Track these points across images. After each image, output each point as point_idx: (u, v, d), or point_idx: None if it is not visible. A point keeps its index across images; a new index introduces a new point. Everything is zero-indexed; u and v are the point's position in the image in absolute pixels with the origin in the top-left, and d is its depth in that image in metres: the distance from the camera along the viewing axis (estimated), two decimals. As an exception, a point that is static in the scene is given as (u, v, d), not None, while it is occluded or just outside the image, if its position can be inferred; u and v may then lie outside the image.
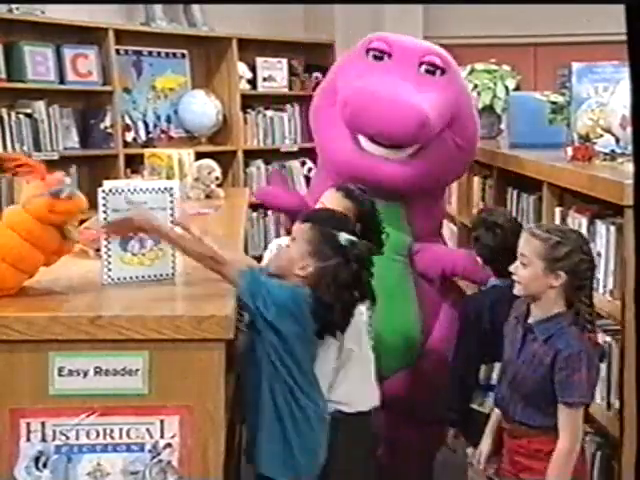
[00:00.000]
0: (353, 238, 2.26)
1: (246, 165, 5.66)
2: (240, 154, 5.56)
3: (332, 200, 2.67)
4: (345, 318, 2.23)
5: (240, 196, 4.15)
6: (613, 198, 2.17)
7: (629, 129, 2.25)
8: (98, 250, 2.54)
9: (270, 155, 5.79)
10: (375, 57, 3.07)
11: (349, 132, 2.98)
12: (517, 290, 2.24)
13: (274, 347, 2.11)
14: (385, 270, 2.83)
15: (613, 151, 2.53)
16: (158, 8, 5.31)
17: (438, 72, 3.02)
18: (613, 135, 2.45)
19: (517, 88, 3.99)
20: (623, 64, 2.58)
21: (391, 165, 2.95)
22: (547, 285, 2.15)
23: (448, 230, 4.39)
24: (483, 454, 2.44)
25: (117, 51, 5.06)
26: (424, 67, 3.01)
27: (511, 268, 2.24)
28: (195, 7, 5.50)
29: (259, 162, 5.75)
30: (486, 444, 2.44)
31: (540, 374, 2.17)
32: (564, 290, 2.15)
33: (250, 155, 5.70)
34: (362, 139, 2.96)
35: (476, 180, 3.89)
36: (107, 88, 4.95)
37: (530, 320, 2.24)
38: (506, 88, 3.91)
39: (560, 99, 2.84)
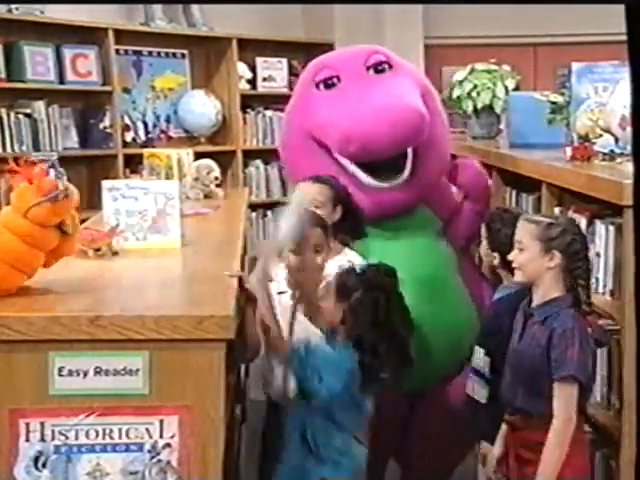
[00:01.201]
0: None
1: (245, 165, 5.68)
2: (239, 154, 5.58)
3: (307, 189, 2.73)
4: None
5: (239, 196, 4.16)
6: (612, 198, 2.18)
7: (628, 129, 2.25)
8: (97, 250, 2.56)
9: (269, 155, 5.79)
10: (326, 86, 3.05)
11: (342, 171, 2.95)
12: (517, 276, 2.31)
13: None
14: (420, 255, 3.00)
15: (612, 151, 2.53)
16: (157, 8, 5.32)
17: (386, 67, 3.05)
18: (612, 135, 2.45)
19: (517, 88, 3.99)
20: (623, 64, 2.59)
21: (398, 192, 2.96)
22: (544, 267, 2.22)
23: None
24: (495, 456, 2.42)
25: (117, 51, 5.07)
26: (372, 70, 3.03)
27: (510, 256, 2.30)
28: (194, 7, 5.51)
29: (258, 162, 5.76)
30: (498, 446, 2.41)
31: (537, 355, 2.20)
32: (561, 271, 2.20)
33: (249, 155, 5.71)
34: (362, 175, 2.95)
35: (476, 180, 3.88)
36: (107, 88, 4.96)
37: (532, 305, 2.29)
38: (506, 88, 3.91)
39: (559, 99, 2.85)
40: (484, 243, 2.74)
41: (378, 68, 3.04)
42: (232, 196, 4.10)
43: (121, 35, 5.09)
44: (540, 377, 2.20)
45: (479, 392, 2.54)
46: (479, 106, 3.99)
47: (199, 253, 2.73)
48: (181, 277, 2.47)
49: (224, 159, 5.49)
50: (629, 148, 2.44)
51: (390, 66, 3.07)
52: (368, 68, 3.03)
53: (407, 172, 2.92)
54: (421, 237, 3.05)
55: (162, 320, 1.91)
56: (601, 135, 2.54)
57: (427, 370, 2.78)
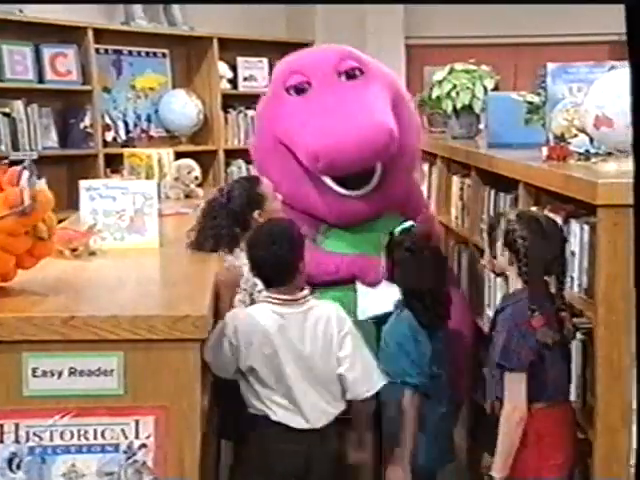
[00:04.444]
0: None
1: (227, 165, 5.67)
2: (221, 154, 5.57)
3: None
4: None
5: (220, 196, 4.13)
6: (586, 198, 2.18)
7: (603, 129, 2.27)
8: (74, 250, 2.55)
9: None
10: (297, 91, 3.03)
11: (310, 176, 2.97)
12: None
13: None
14: None
15: (587, 151, 2.54)
16: (138, 7, 5.30)
17: (358, 73, 3.01)
18: (587, 135, 2.45)
19: (496, 88, 3.99)
20: (598, 65, 2.61)
21: (367, 201, 2.98)
22: (504, 262, 2.33)
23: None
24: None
25: (97, 50, 5.06)
26: (344, 76, 3.00)
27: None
28: (175, 7, 5.50)
29: (240, 162, 5.76)
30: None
31: (497, 341, 2.27)
32: (517, 266, 2.28)
33: (231, 155, 5.71)
34: (330, 183, 2.96)
35: (455, 180, 3.89)
36: (86, 87, 4.94)
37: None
38: (484, 88, 3.91)
39: (536, 99, 2.86)
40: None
41: (349, 74, 3.01)
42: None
43: (101, 34, 5.07)
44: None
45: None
46: (458, 106, 3.99)
47: (177, 253, 2.72)
48: (158, 277, 2.47)
49: (205, 159, 5.49)
50: (604, 148, 2.45)
51: (362, 72, 3.03)
52: (340, 74, 3.00)
53: (374, 183, 2.94)
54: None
55: (137, 320, 1.91)
56: (576, 135, 2.55)
57: None
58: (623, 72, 2.36)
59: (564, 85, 2.65)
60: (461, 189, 3.78)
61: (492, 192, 3.27)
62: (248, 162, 5.77)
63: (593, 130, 2.30)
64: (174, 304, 2.06)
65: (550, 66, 2.68)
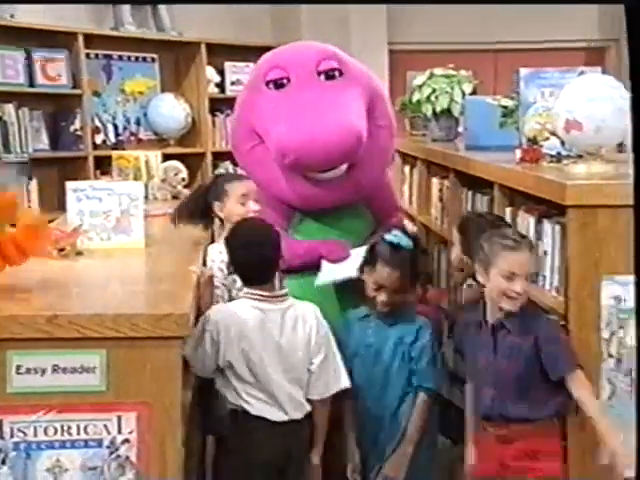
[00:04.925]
0: None
1: (215, 166, 5.66)
2: (209, 156, 5.57)
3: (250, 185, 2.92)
4: None
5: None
6: (556, 198, 2.20)
7: (573, 132, 2.28)
8: (61, 250, 2.54)
9: (238, 157, 5.79)
10: (276, 86, 3.01)
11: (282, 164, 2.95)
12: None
13: None
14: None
15: (559, 153, 2.55)
16: (127, 13, 5.29)
17: (337, 74, 2.99)
18: (559, 138, 2.47)
19: (474, 92, 4.00)
20: (569, 70, 2.62)
21: (336, 186, 2.94)
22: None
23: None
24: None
25: (87, 55, 5.04)
26: (323, 76, 2.98)
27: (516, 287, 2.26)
28: (164, 12, 5.49)
29: (227, 164, 5.75)
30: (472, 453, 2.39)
31: (523, 363, 2.20)
32: None
33: (219, 157, 5.70)
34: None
35: (434, 181, 3.91)
36: (76, 91, 4.93)
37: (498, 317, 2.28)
38: (463, 92, 3.93)
39: (510, 103, 2.87)
40: (456, 248, 2.73)
41: (329, 74, 2.99)
42: (199, 197, 4.08)
43: (91, 40, 5.06)
44: (531, 383, 2.20)
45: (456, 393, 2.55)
46: (438, 110, 4.00)
47: (162, 253, 2.72)
48: (142, 276, 2.46)
49: (194, 161, 5.49)
50: (574, 150, 2.47)
51: (341, 73, 3.01)
52: (319, 73, 2.98)
53: (342, 170, 2.92)
54: (352, 232, 3.04)
55: (120, 318, 1.91)
56: (548, 138, 2.57)
57: None
58: (592, 77, 2.38)
59: (536, 90, 2.66)
60: (440, 190, 3.80)
61: (469, 193, 3.28)
62: (235, 164, 5.76)
63: (564, 133, 2.31)
64: (157, 303, 2.06)
65: (523, 71, 2.70)
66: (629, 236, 2.11)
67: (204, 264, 2.72)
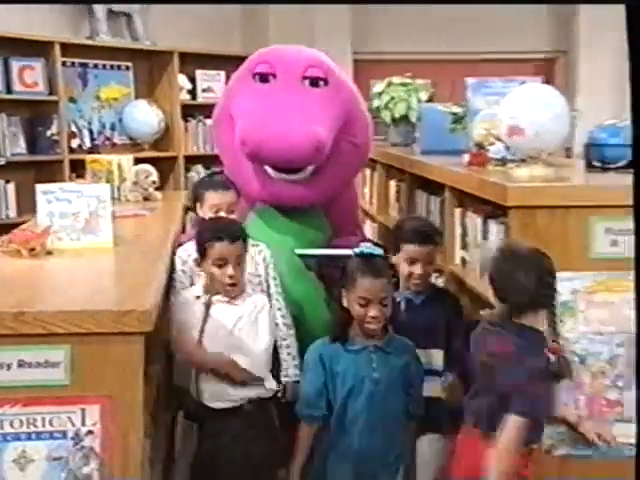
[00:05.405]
0: None
1: (187, 170, 5.63)
2: (181, 159, 5.54)
3: (222, 197, 2.81)
4: None
5: (176, 199, 4.11)
6: (499, 200, 2.21)
7: (515, 137, 2.30)
8: (32, 250, 2.51)
9: (209, 160, 5.76)
10: (261, 79, 3.00)
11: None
12: None
13: None
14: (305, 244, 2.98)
15: (504, 157, 2.57)
16: (102, 23, 5.24)
17: (321, 83, 2.97)
18: (503, 143, 2.49)
19: (430, 100, 4.03)
20: (511, 80, 2.64)
21: (297, 187, 2.93)
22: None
23: (370, 228, 4.45)
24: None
25: (63, 63, 4.98)
26: (307, 81, 2.95)
27: None
28: (138, 22, 5.45)
29: (199, 167, 5.73)
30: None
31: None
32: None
33: (191, 160, 5.67)
34: (266, 167, 2.93)
35: (392, 184, 3.93)
36: (53, 98, 4.87)
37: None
38: (419, 100, 3.95)
39: (459, 110, 2.89)
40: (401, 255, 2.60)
41: (313, 81, 2.97)
42: (169, 198, 4.06)
43: (67, 48, 4.99)
44: None
45: (436, 388, 2.47)
46: (396, 116, 4.03)
47: (130, 252, 2.69)
48: (109, 275, 2.43)
49: (167, 164, 5.46)
50: (518, 155, 2.49)
51: (326, 83, 2.98)
52: (304, 78, 2.95)
53: (306, 174, 2.91)
54: (304, 235, 3.01)
55: (84, 315, 1.88)
56: (494, 143, 2.59)
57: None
58: (533, 86, 2.40)
59: (482, 98, 2.68)
60: (397, 192, 3.81)
61: (424, 195, 3.30)
62: (207, 167, 5.76)
63: (507, 138, 2.33)
64: (120, 300, 2.03)
65: (470, 81, 2.71)
66: (566, 235, 2.14)
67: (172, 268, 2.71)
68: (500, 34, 6.19)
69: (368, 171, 4.53)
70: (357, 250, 2.34)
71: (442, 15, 6.28)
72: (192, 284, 2.68)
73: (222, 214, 2.80)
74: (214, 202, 2.84)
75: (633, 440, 2.13)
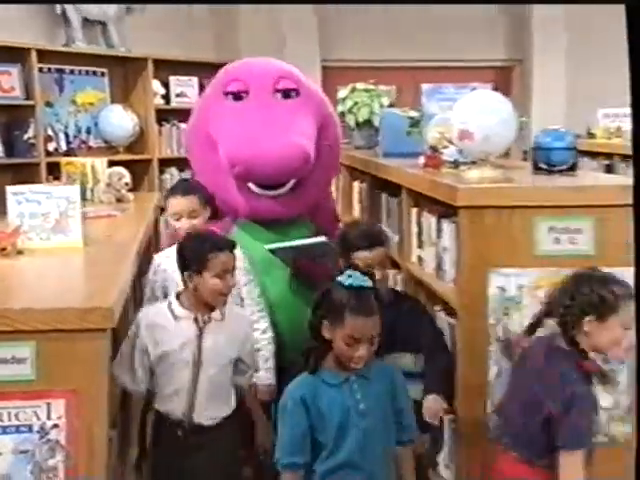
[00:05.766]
0: None
1: (161, 172, 5.59)
2: (155, 162, 5.49)
3: (182, 203, 2.71)
4: None
5: (149, 200, 4.08)
6: (450, 200, 2.23)
7: (465, 141, 2.31)
8: (3, 250, 2.48)
9: (183, 163, 5.71)
10: (234, 97, 2.94)
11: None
12: None
13: None
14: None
15: (456, 160, 2.59)
16: (78, 31, 5.18)
17: (293, 94, 2.93)
18: (455, 146, 2.50)
19: (392, 105, 4.03)
20: (463, 86, 2.66)
21: (282, 201, 2.88)
22: None
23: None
24: None
25: (40, 69, 4.90)
26: (280, 94, 2.92)
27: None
28: (112, 30, 5.40)
29: (173, 169, 5.69)
30: None
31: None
32: None
33: (165, 163, 5.63)
34: (250, 184, 2.87)
35: (355, 185, 3.94)
36: (30, 102, 4.80)
37: None
38: (381, 105, 3.96)
39: (416, 115, 2.90)
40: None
41: (285, 93, 2.93)
42: (142, 200, 4.02)
43: (44, 55, 4.92)
44: None
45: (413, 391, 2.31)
46: (360, 120, 4.03)
47: (99, 251, 2.66)
48: (76, 273, 2.41)
49: (141, 167, 5.42)
50: (469, 157, 2.50)
51: (297, 93, 2.95)
52: (276, 91, 2.92)
53: (288, 187, 2.87)
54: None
55: (49, 312, 1.87)
56: (447, 146, 2.60)
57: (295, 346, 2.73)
58: (482, 93, 2.41)
59: (436, 103, 2.70)
60: (360, 193, 3.82)
61: (384, 196, 3.31)
62: (181, 170, 5.72)
63: (458, 142, 2.34)
64: (86, 297, 2.01)
65: (425, 87, 2.73)
66: (512, 233, 2.16)
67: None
68: (462, 43, 6.23)
69: (334, 173, 4.54)
70: (345, 281, 1.99)
71: (407, 24, 6.31)
72: (165, 295, 2.60)
73: (184, 220, 2.73)
74: (175, 209, 2.77)
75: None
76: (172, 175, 5.65)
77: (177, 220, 2.76)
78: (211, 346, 2.25)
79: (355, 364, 1.97)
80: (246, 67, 3.07)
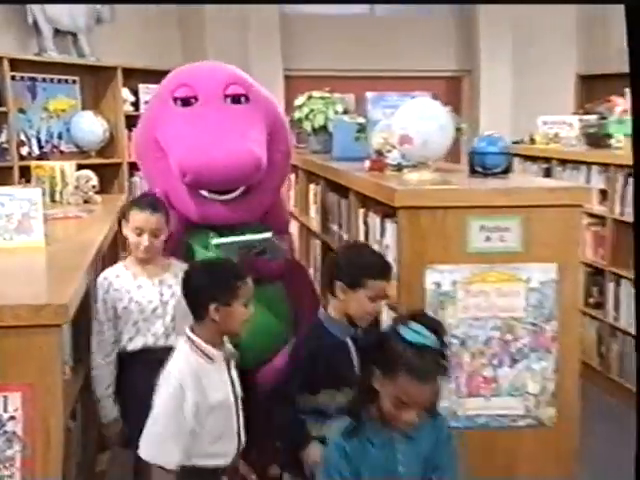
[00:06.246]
0: None
1: (131, 175, 5.52)
2: (125, 166, 5.43)
3: (147, 220, 2.47)
4: None
5: (115, 202, 4.02)
6: (389, 201, 2.23)
7: (405, 146, 2.31)
8: (-34, 250, 2.42)
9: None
10: (183, 103, 2.76)
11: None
12: None
13: None
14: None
15: (400, 163, 2.59)
16: (49, 41, 5.10)
17: (243, 99, 2.79)
18: (398, 150, 2.50)
19: (345, 112, 4.03)
20: (404, 94, 2.67)
21: (233, 206, 2.73)
22: None
23: (294, 227, 4.44)
24: None
25: (12, 77, 4.81)
26: (229, 100, 2.76)
27: None
28: (83, 41, 5.32)
29: (141, 173, 5.62)
30: None
31: None
32: None
33: (134, 167, 5.54)
34: (201, 190, 2.72)
35: (311, 187, 3.93)
36: (3, 109, 4.71)
37: None
38: (336, 112, 3.95)
39: (363, 121, 2.90)
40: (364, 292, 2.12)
41: (235, 98, 2.77)
42: (108, 201, 3.96)
43: (16, 64, 4.83)
44: None
45: None
46: (316, 126, 4.02)
47: (60, 251, 2.61)
48: (35, 272, 2.36)
49: (111, 170, 5.36)
50: (411, 161, 2.50)
51: (247, 99, 2.79)
52: (226, 97, 2.76)
53: (239, 192, 2.73)
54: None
55: (5, 308, 1.83)
56: (390, 150, 2.60)
57: (255, 351, 2.65)
58: (421, 100, 2.41)
59: (380, 110, 2.70)
60: (315, 195, 3.81)
61: (336, 197, 3.31)
62: (149, 173, 5.66)
63: (399, 147, 2.35)
64: (40, 294, 1.98)
65: (369, 95, 2.73)
66: (446, 232, 2.16)
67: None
68: (417, 54, 6.26)
69: (293, 176, 4.52)
70: (407, 335, 1.67)
71: (364, 36, 6.33)
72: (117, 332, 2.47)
73: (145, 237, 2.49)
74: (138, 224, 2.50)
75: (506, 412, 2.18)
76: (141, 178, 5.58)
77: (138, 235, 2.51)
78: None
79: (401, 426, 1.70)
80: (194, 72, 2.90)
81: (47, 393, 1.86)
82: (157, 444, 1.95)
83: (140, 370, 2.42)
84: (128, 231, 2.54)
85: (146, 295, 2.51)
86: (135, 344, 2.50)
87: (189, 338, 2.03)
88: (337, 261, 2.16)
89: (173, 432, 1.92)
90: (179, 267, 2.50)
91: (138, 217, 2.50)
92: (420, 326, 1.68)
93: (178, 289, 2.30)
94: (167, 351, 2.10)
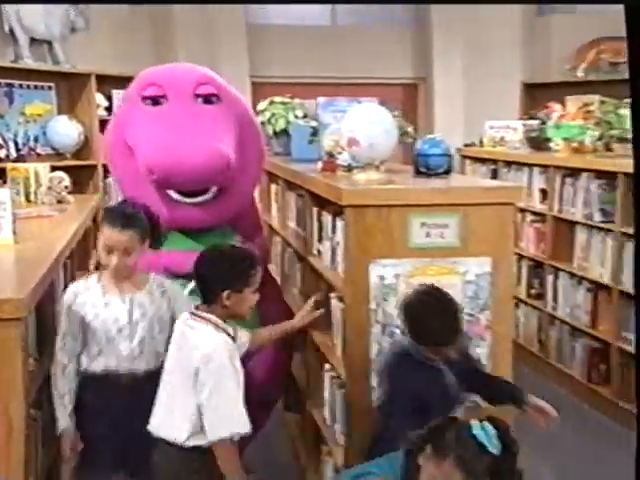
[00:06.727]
0: None
1: (105, 176, 5.44)
2: (100, 168, 5.34)
3: (117, 238, 2.17)
4: None
5: (87, 201, 3.96)
6: (337, 200, 2.22)
7: (353, 148, 2.30)
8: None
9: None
10: (152, 103, 2.60)
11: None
12: None
13: None
14: None
15: (350, 164, 2.58)
16: (25, 49, 4.99)
17: (214, 99, 2.64)
18: (348, 152, 2.49)
19: (305, 116, 4.01)
20: (352, 99, 2.66)
21: (204, 209, 2.58)
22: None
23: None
24: None
25: (-11, 84, 4.71)
26: (200, 99, 2.61)
27: None
28: (58, 48, 5.21)
29: (112, 176, 5.54)
30: None
31: None
32: None
33: (108, 168, 5.47)
34: (170, 191, 2.56)
35: (273, 187, 3.92)
36: (-20, 114, 4.61)
37: None
38: (295, 116, 3.93)
39: (315, 124, 2.88)
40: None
41: (206, 98, 2.61)
42: (80, 201, 3.90)
43: (-8, 71, 4.73)
44: None
45: None
46: (277, 130, 3.98)
47: (27, 248, 2.56)
48: (1, 268, 2.31)
49: (87, 172, 5.27)
50: (360, 162, 2.49)
51: (218, 99, 2.64)
52: (197, 97, 2.60)
53: (210, 195, 2.58)
54: None
55: (-36, 304, 1.78)
56: (341, 152, 2.59)
57: None
58: (368, 105, 2.41)
59: (330, 114, 2.68)
60: (276, 194, 3.80)
61: (294, 196, 3.29)
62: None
63: (347, 148, 2.34)
64: (3, 290, 1.93)
65: (320, 100, 2.71)
66: (390, 229, 2.16)
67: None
68: (376, 62, 6.27)
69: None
70: (475, 429, 1.51)
71: (326, 45, 6.33)
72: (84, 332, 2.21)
73: (115, 255, 2.18)
74: (108, 242, 2.19)
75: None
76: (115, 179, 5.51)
77: (108, 253, 2.20)
78: None
79: None
80: (164, 72, 2.74)
81: (8, 384, 1.83)
82: (229, 416, 1.92)
83: (99, 396, 2.18)
84: (99, 245, 2.23)
85: (112, 313, 2.20)
86: (97, 365, 2.21)
87: (204, 318, 2.02)
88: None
89: (239, 398, 1.93)
90: (157, 283, 2.27)
91: (108, 234, 2.18)
92: (494, 431, 1.52)
93: (152, 309, 2.20)
94: (131, 377, 2.01)
